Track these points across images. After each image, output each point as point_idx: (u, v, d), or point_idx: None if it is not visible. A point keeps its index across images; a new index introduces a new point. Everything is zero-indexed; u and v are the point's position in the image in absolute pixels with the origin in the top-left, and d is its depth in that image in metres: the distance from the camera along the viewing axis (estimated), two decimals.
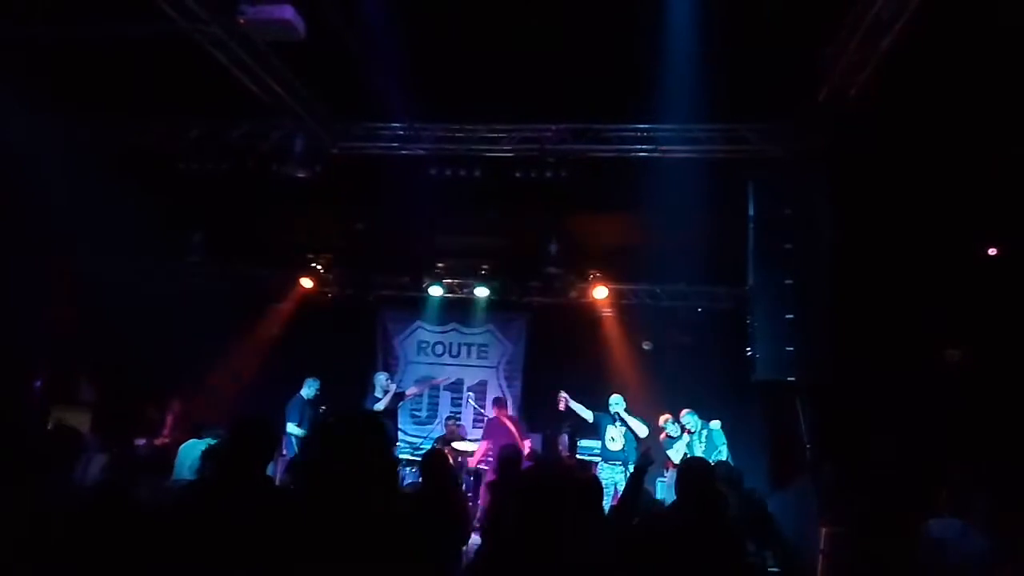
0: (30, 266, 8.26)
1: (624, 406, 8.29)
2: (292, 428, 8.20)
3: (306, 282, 11.14)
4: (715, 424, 8.16)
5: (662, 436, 8.44)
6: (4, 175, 7.37)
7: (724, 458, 7.73)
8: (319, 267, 11.07)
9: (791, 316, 7.28)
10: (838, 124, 6.95)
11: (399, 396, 8.96)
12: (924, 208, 6.73)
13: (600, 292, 10.73)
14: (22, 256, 8.14)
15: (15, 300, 8.02)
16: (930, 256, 6.86)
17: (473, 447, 9.34)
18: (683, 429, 8.31)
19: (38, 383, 8.76)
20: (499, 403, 9.61)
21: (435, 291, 11.29)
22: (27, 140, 7.18)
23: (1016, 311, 6.18)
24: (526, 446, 8.77)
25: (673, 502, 3.39)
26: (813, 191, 7.35)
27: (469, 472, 8.98)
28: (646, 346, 10.73)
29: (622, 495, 4.38)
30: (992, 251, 7.52)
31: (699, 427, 8.23)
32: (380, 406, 8.29)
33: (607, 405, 8.37)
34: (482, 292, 11.12)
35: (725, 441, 8.09)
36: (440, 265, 11.08)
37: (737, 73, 6.60)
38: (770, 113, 7.54)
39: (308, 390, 8.60)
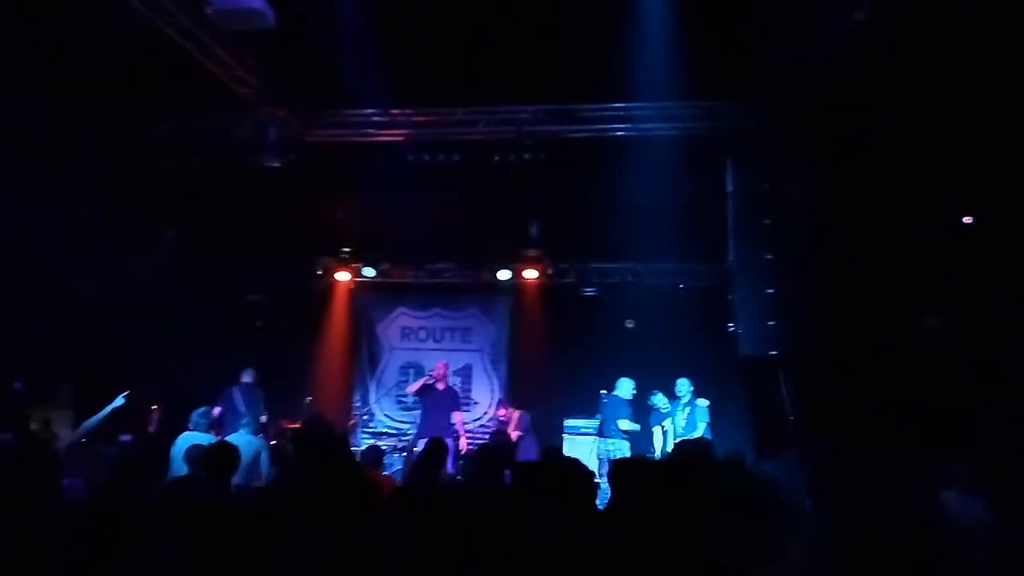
0: (9, 267, 8.13)
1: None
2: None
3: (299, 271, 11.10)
4: (702, 402, 8.24)
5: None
6: None
7: (700, 435, 7.82)
8: (300, 256, 11.00)
9: (772, 291, 7.35)
10: (814, 97, 6.97)
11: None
12: (902, 179, 6.77)
13: (580, 271, 10.76)
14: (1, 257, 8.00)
15: None
16: (909, 226, 6.92)
17: None
18: (672, 397, 8.43)
19: (18, 385, 8.64)
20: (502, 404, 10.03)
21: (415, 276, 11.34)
22: (3, 141, 7.06)
23: (995, 277, 6.26)
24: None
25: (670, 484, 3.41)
26: (791, 165, 7.39)
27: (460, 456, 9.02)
28: (629, 324, 10.77)
29: None
30: (967, 219, 7.58)
31: (687, 398, 8.30)
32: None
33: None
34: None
35: (708, 420, 8.15)
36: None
37: (712, 49, 6.59)
38: (747, 88, 7.54)
39: (248, 378, 8.90)
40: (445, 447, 5.40)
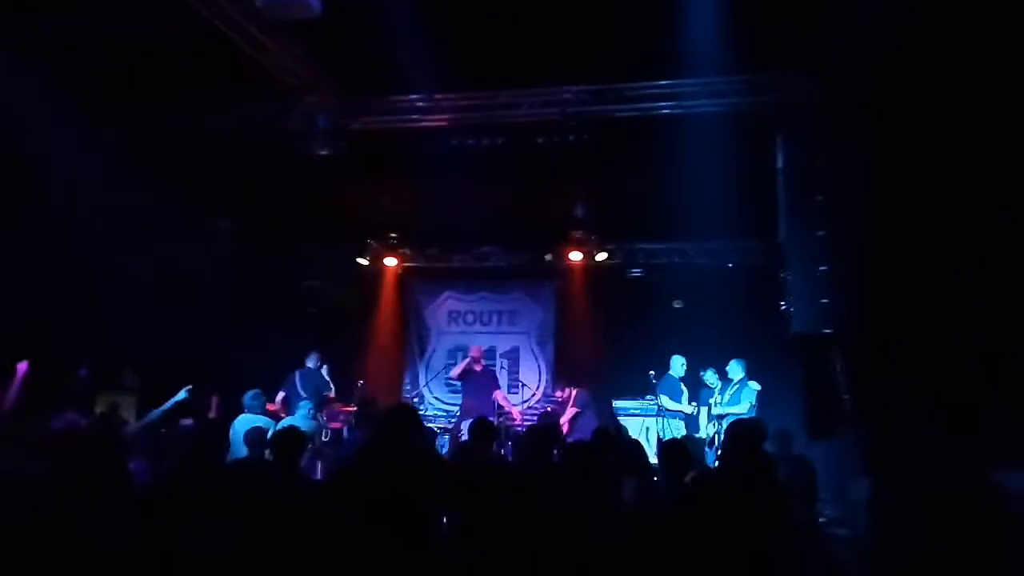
0: (73, 257, 8.45)
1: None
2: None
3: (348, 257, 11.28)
4: (753, 384, 8.14)
5: None
6: (43, 170, 7.54)
7: (744, 415, 7.76)
8: (349, 242, 11.17)
9: (825, 268, 7.22)
10: (870, 68, 6.75)
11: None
12: (963, 153, 6.53)
13: (627, 252, 10.70)
14: (65, 248, 8.33)
15: (61, 290, 8.23)
16: (969, 202, 6.68)
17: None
18: (723, 376, 8.36)
19: (84, 371, 8.99)
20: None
21: (461, 260, 11.44)
22: (63, 135, 7.33)
23: None
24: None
25: (719, 464, 3.42)
26: (845, 140, 7.19)
27: (510, 436, 9.10)
28: (677, 304, 10.68)
29: None
30: None
31: (738, 377, 8.22)
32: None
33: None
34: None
35: (754, 402, 8.04)
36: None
37: (760, 20, 6.43)
38: (797, 61, 7.33)
39: (312, 362, 9.21)
40: (490, 427, 5.44)
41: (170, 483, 3.91)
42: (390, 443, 3.77)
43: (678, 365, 8.63)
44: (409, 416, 3.95)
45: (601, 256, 10.79)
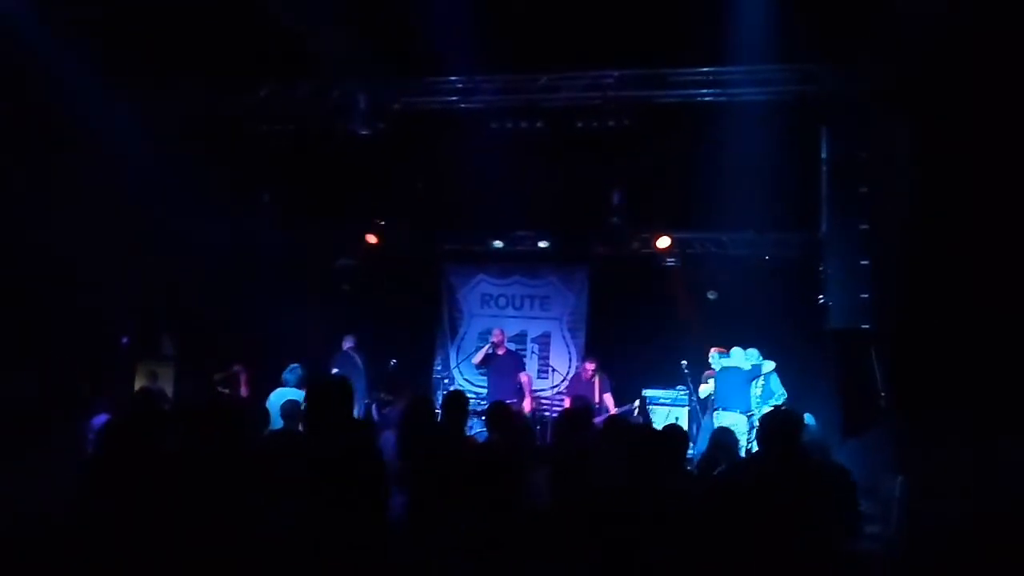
0: (115, 230, 8.63)
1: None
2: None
3: (371, 238, 11.33)
4: (769, 364, 8.06)
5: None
6: (86, 145, 7.70)
7: (781, 403, 7.71)
8: (384, 223, 11.21)
9: (866, 262, 7.10)
10: (915, 59, 6.60)
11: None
12: (1008, 145, 6.36)
13: (663, 242, 10.59)
14: (108, 220, 8.50)
15: (104, 262, 8.41)
16: (1015, 196, 6.51)
17: None
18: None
19: (125, 340, 9.21)
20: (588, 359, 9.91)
21: (497, 243, 11.40)
22: (103, 111, 7.48)
23: None
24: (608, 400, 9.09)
25: (756, 452, 3.40)
26: (891, 132, 7.05)
27: (538, 421, 9.14)
28: (711, 295, 10.58)
29: None
30: None
31: (748, 366, 8.14)
32: None
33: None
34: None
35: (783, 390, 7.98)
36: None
37: (807, 8, 6.32)
38: (845, 50, 7.19)
39: (347, 343, 9.72)
40: (503, 411, 5.40)
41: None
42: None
43: (741, 358, 8.47)
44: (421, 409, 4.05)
45: (636, 244, 10.71)
